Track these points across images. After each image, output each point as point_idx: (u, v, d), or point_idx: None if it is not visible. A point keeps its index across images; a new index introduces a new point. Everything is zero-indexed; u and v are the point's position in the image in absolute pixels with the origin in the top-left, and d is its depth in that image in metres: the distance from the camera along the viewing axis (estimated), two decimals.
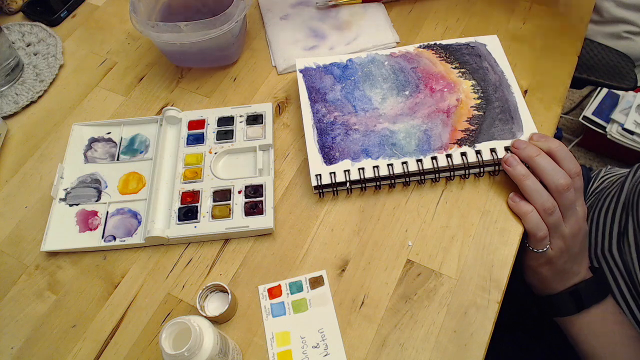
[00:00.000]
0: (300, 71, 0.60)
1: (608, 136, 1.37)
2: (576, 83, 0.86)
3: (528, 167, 0.51)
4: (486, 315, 0.47)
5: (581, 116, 1.43)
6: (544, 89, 0.59)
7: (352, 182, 0.52)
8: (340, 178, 0.52)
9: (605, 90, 1.43)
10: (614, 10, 1.12)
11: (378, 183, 0.53)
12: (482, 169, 0.52)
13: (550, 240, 0.51)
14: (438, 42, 0.61)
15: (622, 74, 0.84)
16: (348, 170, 0.52)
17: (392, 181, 0.53)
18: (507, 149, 0.52)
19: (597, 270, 0.55)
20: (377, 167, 0.52)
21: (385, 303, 0.48)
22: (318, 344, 0.46)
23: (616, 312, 0.53)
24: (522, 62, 0.61)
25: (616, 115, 1.36)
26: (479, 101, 0.56)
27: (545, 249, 0.51)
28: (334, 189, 0.53)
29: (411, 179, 0.53)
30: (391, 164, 0.52)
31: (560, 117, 0.85)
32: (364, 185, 0.53)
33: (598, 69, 0.84)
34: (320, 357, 0.46)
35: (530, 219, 0.50)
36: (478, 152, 0.52)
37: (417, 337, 0.46)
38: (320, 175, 0.52)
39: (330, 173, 0.52)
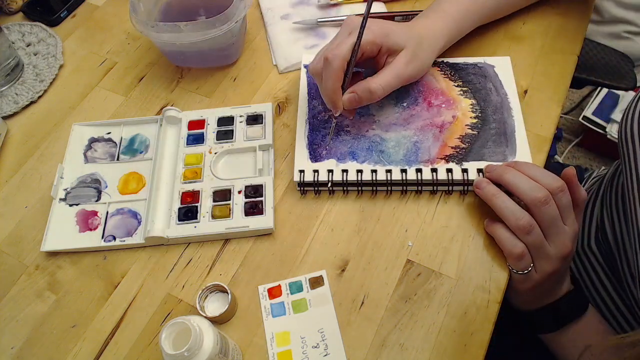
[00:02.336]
0: (305, 66, 0.61)
1: (608, 136, 1.37)
2: (576, 83, 0.86)
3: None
4: (486, 315, 0.47)
5: (581, 116, 1.43)
6: (544, 89, 0.59)
7: (334, 184, 0.52)
8: (323, 177, 0.52)
9: (605, 90, 1.43)
10: (614, 10, 1.12)
11: (360, 188, 0.53)
12: (466, 187, 0.52)
13: (534, 262, 0.48)
14: (445, 60, 0.60)
15: (622, 73, 0.84)
16: (331, 170, 0.52)
17: (374, 188, 0.53)
18: (479, 171, 0.52)
19: (575, 283, 0.53)
20: (360, 171, 0.52)
21: (385, 303, 0.48)
22: (318, 344, 0.46)
23: (597, 322, 0.52)
24: (522, 62, 0.61)
25: (616, 115, 1.36)
26: (475, 120, 0.55)
27: (527, 271, 0.48)
28: (315, 187, 0.53)
29: (394, 188, 0.53)
30: (375, 170, 0.52)
31: (560, 117, 0.85)
32: (345, 188, 0.53)
33: (598, 69, 0.85)
34: (320, 357, 0.46)
35: (501, 237, 0.48)
36: (464, 171, 0.52)
37: (417, 337, 0.46)
38: (303, 171, 0.52)
39: (314, 171, 0.52)
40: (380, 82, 0.50)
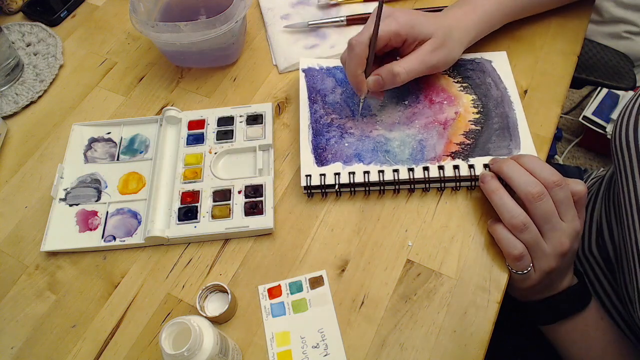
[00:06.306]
0: (303, 70, 0.60)
1: (608, 136, 1.37)
2: (575, 83, 0.86)
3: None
4: (486, 315, 0.47)
5: (581, 116, 1.43)
6: (544, 89, 0.59)
7: (342, 186, 0.52)
8: (330, 180, 0.52)
9: (605, 90, 1.43)
10: (614, 10, 1.12)
11: (367, 189, 0.53)
12: (473, 183, 0.52)
13: (533, 261, 0.47)
14: None
15: (621, 73, 0.84)
16: (338, 174, 0.52)
17: (382, 188, 0.52)
18: (485, 165, 0.52)
19: (579, 277, 0.53)
20: (367, 172, 0.52)
21: (385, 303, 0.48)
22: (318, 344, 0.46)
23: (598, 318, 0.52)
24: (522, 62, 0.61)
25: (616, 115, 1.36)
26: (477, 116, 0.55)
27: (526, 271, 0.47)
28: (322, 190, 0.53)
29: (401, 187, 0.53)
30: (382, 171, 0.52)
31: (560, 117, 0.85)
32: (353, 189, 0.53)
33: (597, 69, 0.85)
34: (320, 357, 0.46)
35: (500, 238, 0.48)
36: (471, 167, 0.52)
37: (417, 337, 0.46)
38: (310, 176, 0.52)
39: (321, 175, 0.52)
40: (404, 65, 0.50)
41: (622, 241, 0.51)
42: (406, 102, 0.57)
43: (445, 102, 0.57)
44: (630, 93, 1.36)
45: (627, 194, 0.48)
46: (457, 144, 0.53)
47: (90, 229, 0.53)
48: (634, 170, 0.47)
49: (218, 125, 0.58)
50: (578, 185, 0.48)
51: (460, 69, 0.59)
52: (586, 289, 0.52)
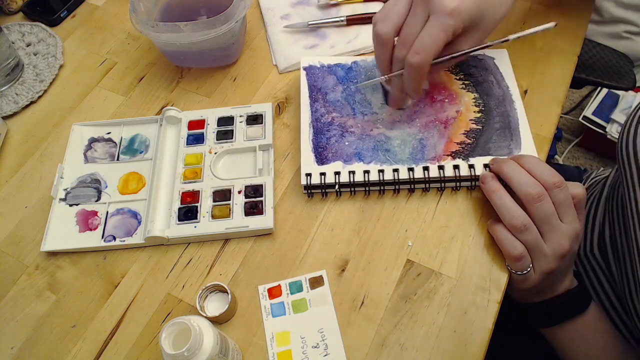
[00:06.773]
0: (304, 69, 0.60)
1: (608, 136, 1.37)
2: (575, 83, 0.86)
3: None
4: (486, 315, 0.47)
5: (581, 116, 1.43)
6: (544, 89, 0.59)
7: (342, 185, 0.52)
8: (330, 180, 0.52)
9: (605, 90, 1.43)
10: (614, 10, 1.12)
11: (367, 188, 0.53)
12: (473, 183, 0.52)
13: (533, 262, 0.47)
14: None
15: (621, 73, 0.84)
16: (338, 173, 0.52)
17: (382, 187, 0.52)
18: (485, 165, 0.52)
19: (579, 279, 0.52)
20: (367, 172, 0.52)
21: (385, 303, 0.48)
22: (318, 344, 0.46)
23: (597, 320, 0.52)
24: (522, 62, 0.61)
25: (616, 115, 1.36)
26: (479, 115, 0.55)
27: (526, 272, 0.47)
28: (322, 190, 0.53)
29: (401, 187, 0.53)
30: (382, 170, 0.52)
31: (560, 117, 0.85)
32: (353, 189, 0.53)
33: (597, 69, 0.85)
34: (320, 357, 0.46)
35: (500, 238, 0.48)
36: (471, 167, 0.52)
37: (417, 337, 0.46)
38: (310, 174, 0.52)
39: (321, 174, 0.52)
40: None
41: (627, 251, 0.51)
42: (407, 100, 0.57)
43: (446, 100, 0.56)
44: (631, 93, 1.36)
45: (628, 204, 0.48)
46: (457, 144, 0.53)
47: (90, 229, 0.53)
48: (634, 182, 0.47)
49: (218, 125, 0.58)
50: (577, 189, 0.48)
51: (462, 65, 0.59)
52: (586, 292, 0.52)
